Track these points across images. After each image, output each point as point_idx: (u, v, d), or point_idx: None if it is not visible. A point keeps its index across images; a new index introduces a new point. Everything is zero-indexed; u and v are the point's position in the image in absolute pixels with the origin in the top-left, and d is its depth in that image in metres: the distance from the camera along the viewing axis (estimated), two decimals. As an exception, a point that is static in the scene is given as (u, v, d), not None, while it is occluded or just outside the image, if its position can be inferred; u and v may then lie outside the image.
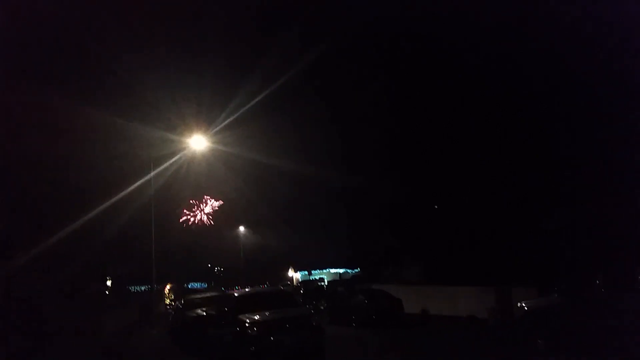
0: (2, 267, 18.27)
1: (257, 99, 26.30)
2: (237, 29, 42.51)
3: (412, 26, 28.64)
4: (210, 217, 44.74)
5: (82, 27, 24.28)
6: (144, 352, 16.38)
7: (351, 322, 18.72)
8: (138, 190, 23.77)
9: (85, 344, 16.76)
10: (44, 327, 16.33)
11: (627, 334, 9.70)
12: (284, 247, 50.40)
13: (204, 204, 48.99)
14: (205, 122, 25.51)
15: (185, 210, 50.00)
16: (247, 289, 21.90)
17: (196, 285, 52.85)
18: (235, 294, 14.59)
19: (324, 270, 58.44)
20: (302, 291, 29.91)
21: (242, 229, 51.81)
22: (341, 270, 56.05)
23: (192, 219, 50.70)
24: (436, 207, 29.13)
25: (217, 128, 26.13)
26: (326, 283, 41.45)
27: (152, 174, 22.96)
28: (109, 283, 33.48)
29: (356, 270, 49.56)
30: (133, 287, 40.66)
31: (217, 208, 45.24)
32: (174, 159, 24.66)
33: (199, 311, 16.42)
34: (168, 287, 35.26)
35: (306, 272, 59.33)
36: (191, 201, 48.48)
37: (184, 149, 24.04)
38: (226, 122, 26.25)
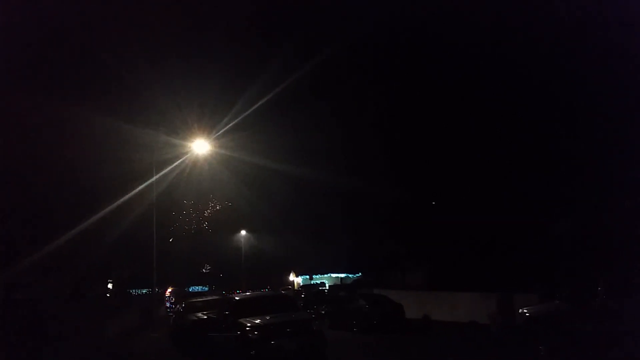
0: (4, 269, 18.36)
1: (259, 103, 26.38)
2: (240, 36, 42.86)
3: (412, 26, 28.78)
4: (212, 221, 44.71)
5: (92, 35, 24.58)
6: (145, 355, 16.38)
7: (352, 327, 18.64)
8: (141, 194, 23.90)
9: (87, 346, 16.77)
10: (45, 329, 16.35)
11: (629, 340, 9.70)
12: (285, 251, 50.37)
13: (206, 208, 49.06)
14: (208, 126, 25.61)
15: (187, 214, 50.04)
16: (248, 293, 21.89)
17: (197, 288, 52.85)
18: (236, 298, 14.65)
19: (325, 275, 58.40)
20: (303, 295, 29.90)
21: (243, 232, 51.81)
22: (342, 275, 56.01)
23: (194, 223, 50.71)
24: (433, 203, 29.12)
25: (220, 132, 26.23)
26: (327, 287, 41.45)
27: (155, 178, 23.10)
28: (110, 286, 33.54)
29: (357, 275, 49.51)
30: (134, 291, 40.70)
31: (218, 212, 45.22)
32: (176, 163, 24.85)
33: (200, 315, 16.47)
34: (169, 290, 35.26)
35: (307, 277, 59.27)
36: (192, 207, 48.57)
37: (187, 153, 24.21)
38: (229, 126, 26.35)
